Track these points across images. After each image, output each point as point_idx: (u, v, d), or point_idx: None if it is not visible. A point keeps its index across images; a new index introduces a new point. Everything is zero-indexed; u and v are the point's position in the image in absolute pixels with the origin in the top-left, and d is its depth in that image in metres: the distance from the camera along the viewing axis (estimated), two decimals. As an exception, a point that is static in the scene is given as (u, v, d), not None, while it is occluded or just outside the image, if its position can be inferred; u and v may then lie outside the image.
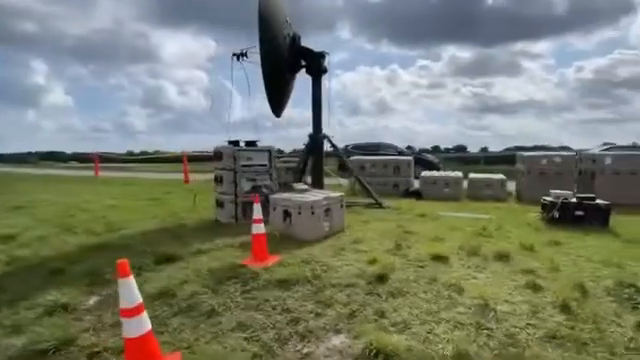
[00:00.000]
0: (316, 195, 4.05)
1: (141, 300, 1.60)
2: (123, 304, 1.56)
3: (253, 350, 1.87)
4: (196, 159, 14.93)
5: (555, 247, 3.59)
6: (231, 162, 4.53)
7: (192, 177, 11.47)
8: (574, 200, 4.62)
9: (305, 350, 1.86)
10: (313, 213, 3.82)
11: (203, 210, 5.74)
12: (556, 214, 4.59)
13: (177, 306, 2.35)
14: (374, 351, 1.75)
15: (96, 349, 1.94)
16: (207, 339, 1.97)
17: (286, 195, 4.09)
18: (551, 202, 4.71)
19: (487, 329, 2.00)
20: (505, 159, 20.22)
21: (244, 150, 4.63)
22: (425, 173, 8.01)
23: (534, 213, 5.34)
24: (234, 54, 5.89)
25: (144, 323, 1.58)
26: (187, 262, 3.18)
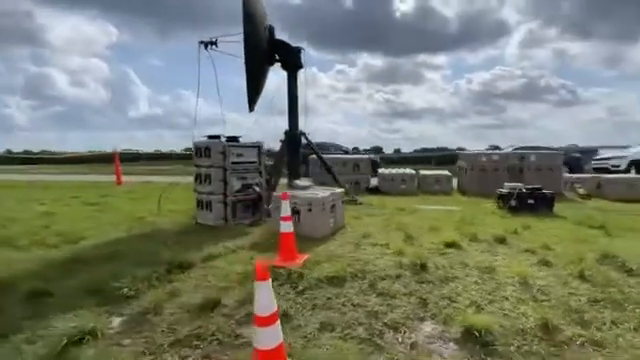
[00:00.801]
0: (322, 191, 3.99)
1: (276, 307, 1.41)
2: (258, 311, 1.36)
3: (359, 347, 1.79)
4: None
5: (529, 230, 4.16)
6: (220, 159, 4.17)
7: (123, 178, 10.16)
8: (525, 190, 5.41)
9: (408, 341, 1.85)
10: (323, 209, 3.76)
11: (169, 213, 5.17)
12: (513, 202, 5.32)
13: (238, 315, 2.10)
14: (480, 331, 1.83)
15: (173, 374, 1.63)
16: (301, 344, 1.81)
17: (291, 192, 3.93)
18: (508, 192, 5.43)
19: (543, 300, 2.25)
20: (416, 159, 22.51)
21: (235, 146, 4.30)
22: (383, 170, 8.46)
23: (488, 203, 6.08)
24: (202, 42, 5.45)
25: (278, 333, 1.39)
26: (204, 268, 2.86)
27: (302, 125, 5.84)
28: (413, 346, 1.81)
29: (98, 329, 1.95)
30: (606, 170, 10.88)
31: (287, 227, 2.98)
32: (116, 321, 2.13)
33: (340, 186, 6.30)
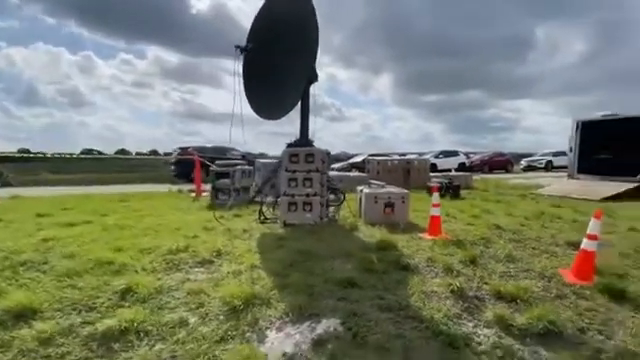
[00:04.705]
0: (396, 189, 5.26)
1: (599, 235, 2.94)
2: (591, 231, 2.90)
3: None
4: None
5: (476, 204, 6.84)
6: (321, 164, 4.71)
7: None
8: (447, 183, 8.32)
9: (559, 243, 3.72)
10: (404, 202, 5.08)
11: (229, 222, 4.97)
12: (442, 191, 8.09)
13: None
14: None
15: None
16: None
17: (383, 190, 5.00)
18: (440, 185, 8.17)
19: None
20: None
21: (328, 153, 4.90)
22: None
23: (421, 193, 8.72)
24: (237, 46, 5.50)
25: (595, 247, 2.94)
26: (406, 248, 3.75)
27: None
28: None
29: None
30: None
31: (436, 212, 4.25)
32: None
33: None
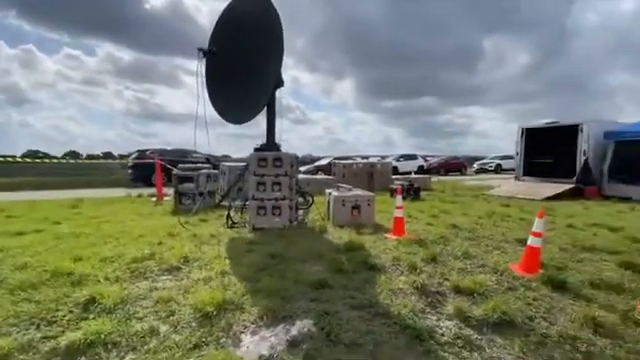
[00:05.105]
0: (363, 192, 5.42)
1: (543, 233, 3.26)
2: (536, 229, 3.21)
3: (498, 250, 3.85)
4: None
5: (435, 205, 7.25)
6: (290, 168, 4.76)
7: None
8: (408, 185, 8.70)
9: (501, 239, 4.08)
10: (370, 204, 5.27)
11: (195, 227, 4.85)
12: (405, 193, 8.46)
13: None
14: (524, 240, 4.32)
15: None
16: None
17: (351, 193, 5.15)
18: (402, 187, 8.53)
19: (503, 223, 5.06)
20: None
21: (296, 157, 4.95)
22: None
23: (385, 195, 9.05)
24: (200, 49, 5.42)
25: (540, 243, 3.25)
26: (372, 248, 3.92)
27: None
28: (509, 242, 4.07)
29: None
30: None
31: (400, 213, 4.47)
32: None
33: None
